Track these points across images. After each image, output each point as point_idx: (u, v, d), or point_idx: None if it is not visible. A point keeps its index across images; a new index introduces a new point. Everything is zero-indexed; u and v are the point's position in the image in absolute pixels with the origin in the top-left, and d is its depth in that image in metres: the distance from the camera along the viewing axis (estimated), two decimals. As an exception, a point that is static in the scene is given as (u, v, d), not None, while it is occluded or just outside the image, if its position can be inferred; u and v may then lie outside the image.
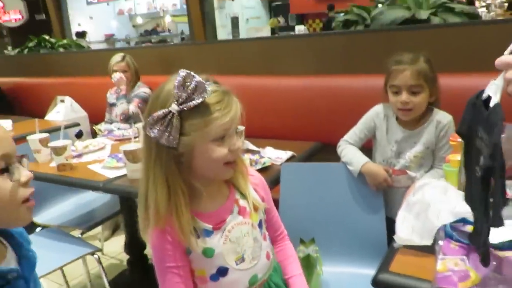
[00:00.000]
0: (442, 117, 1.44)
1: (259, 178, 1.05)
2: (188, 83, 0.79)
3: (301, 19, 9.13)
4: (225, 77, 2.58)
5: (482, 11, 10.11)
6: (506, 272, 0.79)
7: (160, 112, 0.80)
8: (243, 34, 8.29)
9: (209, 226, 0.91)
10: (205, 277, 0.92)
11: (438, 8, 2.21)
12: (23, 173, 0.75)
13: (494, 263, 0.82)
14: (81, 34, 8.85)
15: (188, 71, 0.80)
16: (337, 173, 1.51)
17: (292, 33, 8.04)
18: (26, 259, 0.81)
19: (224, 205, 0.95)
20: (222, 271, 0.92)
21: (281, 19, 9.27)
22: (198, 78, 0.80)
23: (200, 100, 0.79)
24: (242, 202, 0.96)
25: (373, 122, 1.54)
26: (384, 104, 1.54)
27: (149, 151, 0.87)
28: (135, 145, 1.59)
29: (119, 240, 2.72)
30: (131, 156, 1.55)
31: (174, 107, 0.80)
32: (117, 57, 2.75)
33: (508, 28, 1.79)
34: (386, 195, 1.47)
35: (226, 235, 0.92)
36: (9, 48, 8.10)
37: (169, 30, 10.33)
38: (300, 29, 7.69)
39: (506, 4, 9.71)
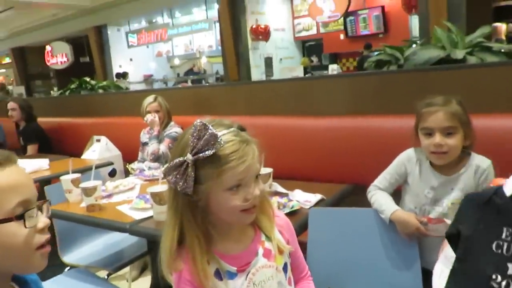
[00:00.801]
0: (481, 161, 1.36)
1: (284, 219, 1.05)
2: (203, 134, 0.81)
3: (335, 58, 9.20)
4: (257, 118, 2.62)
5: (522, 48, 9.78)
6: None
7: (176, 161, 0.83)
8: (276, 74, 8.41)
9: (233, 268, 0.91)
10: None
11: (474, 47, 2.15)
12: (41, 219, 0.75)
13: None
14: (122, 75, 9.28)
15: (203, 122, 0.82)
16: (368, 219, 1.43)
17: (325, 72, 8.09)
18: None
19: (249, 247, 0.94)
20: None
21: (314, 59, 9.37)
22: (211, 130, 0.81)
23: (212, 151, 0.81)
24: (267, 245, 0.96)
25: (404, 167, 1.47)
26: (416, 148, 1.47)
27: (169, 195, 0.91)
28: (162, 187, 1.58)
29: (147, 281, 2.69)
30: (157, 198, 1.54)
31: (189, 157, 0.82)
32: (149, 98, 2.83)
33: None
34: (422, 244, 1.37)
35: (250, 278, 0.91)
36: (55, 89, 8.57)
37: (204, 71, 10.66)
38: (333, 68, 7.72)
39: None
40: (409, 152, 1.48)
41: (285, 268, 0.97)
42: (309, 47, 9.47)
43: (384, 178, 1.50)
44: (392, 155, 1.56)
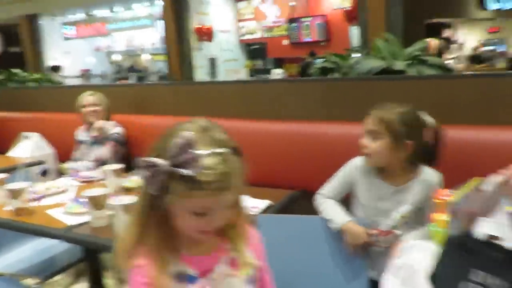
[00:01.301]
0: (430, 176, 1.40)
1: (257, 239, 1.01)
2: (186, 150, 0.75)
3: (279, 62, 9.33)
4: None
5: (450, 62, 10.62)
6: None
7: (152, 159, 0.76)
8: (221, 75, 8.37)
9: (195, 272, 0.86)
10: None
11: (413, 59, 2.25)
12: None
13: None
14: (56, 68, 8.75)
15: (192, 139, 0.76)
16: (317, 227, 1.43)
17: (268, 75, 8.17)
18: None
19: (212, 253, 0.90)
20: None
21: (258, 62, 9.44)
22: (195, 152, 0.75)
23: (190, 174, 0.75)
24: (232, 254, 0.91)
25: (350, 176, 1.48)
26: (364, 157, 1.49)
27: (140, 189, 0.86)
28: (100, 190, 1.48)
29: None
30: (94, 202, 1.44)
31: (164, 164, 0.76)
32: (86, 93, 2.69)
33: (480, 82, 1.82)
34: (370, 254, 1.39)
35: (214, 285, 0.87)
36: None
37: (146, 68, 10.35)
38: (277, 72, 7.83)
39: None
40: (355, 161, 1.49)
41: (252, 281, 0.93)
42: (254, 50, 9.52)
43: (331, 187, 1.50)
44: (339, 161, 1.58)
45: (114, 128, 2.67)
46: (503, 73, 1.82)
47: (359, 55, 2.34)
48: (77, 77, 9.78)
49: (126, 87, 3.49)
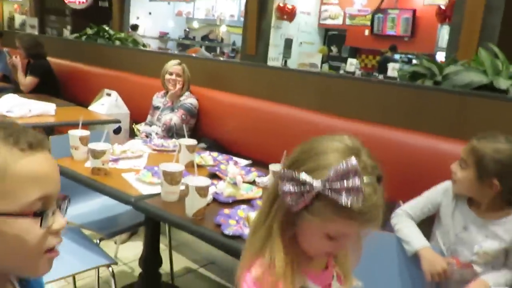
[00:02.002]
0: None
1: None
2: (350, 178, 0.69)
3: (354, 52, 9.01)
4: (273, 104, 2.53)
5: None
6: None
7: (302, 177, 0.71)
8: (294, 57, 8.25)
9: (317, 287, 0.84)
10: None
11: (518, 78, 2.05)
12: (58, 220, 0.65)
13: None
14: (134, 27, 9.06)
15: (358, 169, 0.69)
16: (389, 242, 1.36)
17: (343, 64, 7.92)
18: None
19: (327, 268, 0.88)
20: None
21: (334, 49, 9.18)
22: (360, 183, 0.69)
23: (346, 203, 0.69)
24: (337, 269, 0.91)
25: (439, 197, 1.41)
26: None
27: (267, 197, 0.81)
28: (175, 166, 1.50)
29: (135, 247, 2.65)
30: (169, 177, 1.46)
31: (317, 184, 0.71)
32: (175, 61, 2.75)
33: None
34: (443, 286, 1.31)
35: None
36: (68, 27, 8.36)
37: (222, 40, 10.43)
38: (352, 62, 7.56)
39: None
40: (447, 184, 1.42)
41: None
42: (331, 36, 9.27)
43: (416, 206, 1.44)
44: (421, 175, 1.50)
45: (187, 98, 2.72)
46: None
47: (459, 65, 2.16)
48: (155, 38, 10.08)
49: (203, 60, 3.52)
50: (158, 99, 2.86)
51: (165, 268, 2.35)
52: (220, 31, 10.70)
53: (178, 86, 2.69)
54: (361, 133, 2.02)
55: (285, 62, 7.60)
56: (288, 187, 0.72)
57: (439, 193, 1.41)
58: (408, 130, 1.95)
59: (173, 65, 2.71)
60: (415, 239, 1.34)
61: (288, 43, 8.28)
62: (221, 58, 7.13)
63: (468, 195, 1.35)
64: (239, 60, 6.60)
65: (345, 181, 0.68)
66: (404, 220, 1.41)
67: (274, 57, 7.92)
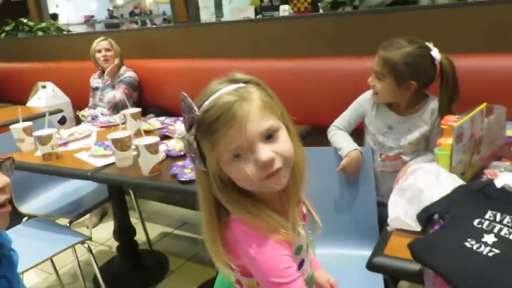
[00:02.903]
0: (436, 104, 1.45)
1: None
2: (185, 107, 0.73)
3: (286, -2, 9.00)
4: (211, 61, 2.57)
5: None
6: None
7: (185, 136, 0.77)
8: (227, 15, 8.15)
9: (301, 223, 0.88)
10: None
11: (425, -12, 2.19)
12: (2, 179, 0.71)
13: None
14: (54, 17, 8.60)
15: (183, 93, 0.72)
16: (328, 157, 1.51)
17: (276, 13, 7.91)
18: (7, 259, 0.79)
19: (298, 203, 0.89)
20: (301, 264, 0.88)
21: (265, -1, 9.12)
22: (186, 99, 0.72)
23: (190, 121, 0.72)
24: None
25: (361, 107, 1.55)
26: None
27: (196, 175, 0.82)
28: (123, 133, 1.56)
29: (108, 227, 2.71)
30: (119, 144, 1.52)
31: (186, 135, 0.76)
32: (99, 38, 2.71)
33: (498, 9, 1.79)
34: (378, 180, 1.48)
35: (294, 227, 0.86)
36: (-16, 31, 7.83)
37: (150, 12, 10.10)
38: (284, 8, 7.57)
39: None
40: (366, 94, 1.55)
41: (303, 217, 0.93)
42: (260, -14, 9.17)
43: (343, 119, 1.57)
44: (349, 96, 1.62)
45: (126, 72, 2.71)
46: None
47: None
48: (81, 24, 9.62)
49: (134, 32, 3.47)
50: (95, 80, 2.83)
51: (141, 238, 2.45)
52: (146, 3, 10.34)
53: (114, 61, 2.67)
54: (295, 70, 2.16)
55: (219, 21, 7.52)
56: (189, 155, 0.78)
57: (360, 104, 1.55)
58: (335, 57, 2.07)
59: (98, 42, 2.68)
60: (346, 145, 1.50)
61: (218, 2, 8.16)
62: (151, 26, 6.96)
63: (389, 102, 1.48)
64: (160, 25, 6.46)
65: (186, 112, 0.73)
66: (336, 133, 1.56)
67: (208, 20, 7.80)
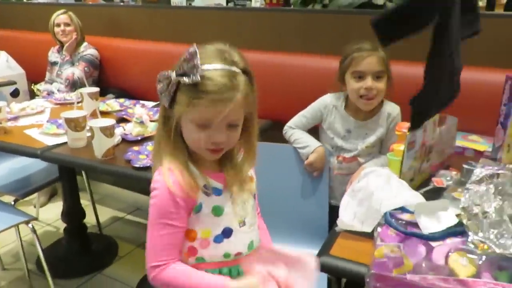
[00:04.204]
0: (392, 109, 1.49)
1: None
2: (190, 60, 0.79)
3: (259, -11, 8.96)
4: (177, 45, 2.53)
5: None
6: (435, 260, 0.85)
7: (166, 73, 0.83)
8: (198, -1, 8.01)
9: (219, 185, 0.92)
10: (209, 238, 0.91)
11: (394, -6, 2.24)
12: None
13: (425, 251, 0.87)
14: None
15: (195, 50, 0.79)
16: (285, 154, 1.52)
17: (248, 2, 7.87)
18: None
19: (231, 169, 0.95)
20: (227, 232, 0.93)
21: (238, -13, 9.05)
22: (197, 61, 0.79)
23: (188, 81, 0.80)
24: (240, 172, 0.97)
25: (320, 112, 1.55)
26: (333, 94, 1.56)
27: (160, 105, 0.90)
28: (78, 112, 1.50)
29: (56, 207, 2.62)
30: (73, 124, 1.47)
31: (172, 75, 0.82)
32: (58, 11, 2.58)
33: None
34: (334, 183, 1.51)
35: (234, 197, 0.94)
36: None
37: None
38: (257, -1, 7.55)
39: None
40: (325, 99, 1.56)
41: (255, 197, 1.01)
42: (234, -26, 9.08)
43: (299, 121, 1.58)
44: (311, 94, 1.63)
45: (87, 50, 2.61)
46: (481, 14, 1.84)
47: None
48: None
49: (100, 7, 3.33)
50: (54, 54, 2.70)
51: (91, 221, 2.38)
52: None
53: (73, 36, 2.56)
54: (260, 62, 2.15)
55: (190, 5, 7.39)
56: (160, 84, 0.84)
57: (319, 109, 1.56)
58: (302, 53, 2.08)
59: (58, 16, 2.55)
60: (311, 142, 1.51)
61: (190, -15, 8.01)
62: (119, 3, 6.72)
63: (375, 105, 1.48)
64: (134, 3, 6.26)
65: (187, 64, 0.79)
66: (296, 131, 1.57)
67: (178, 1, 7.65)
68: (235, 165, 0.96)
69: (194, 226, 0.90)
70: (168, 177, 0.86)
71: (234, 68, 0.83)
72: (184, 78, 0.80)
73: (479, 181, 0.86)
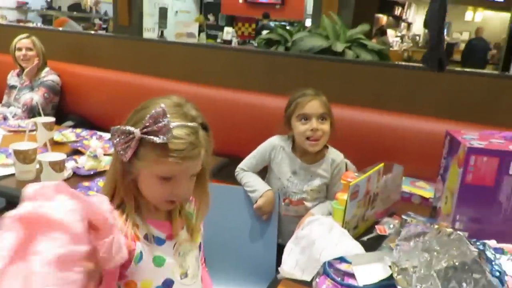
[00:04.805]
0: (336, 156, 1.56)
1: None
2: (160, 120, 0.80)
3: (231, 20, 9.16)
4: (143, 77, 2.53)
5: (396, 40, 10.96)
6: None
7: (126, 128, 0.83)
8: (170, 27, 8.09)
9: (162, 235, 0.92)
10: None
11: (353, 42, 2.36)
12: None
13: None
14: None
15: (164, 110, 0.80)
16: (236, 196, 1.54)
17: (220, 33, 8.02)
18: None
19: (178, 218, 0.96)
20: (168, 284, 0.91)
21: (212, 17, 9.21)
22: (168, 121, 0.80)
23: (159, 141, 0.80)
24: (188, 222, 0.98)
25: (268, 154, 1.60)
26: (280, 136, 1.61)
27: (113, 155, 0.92)
28: (28, 144, 1.47)
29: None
30: (21, 156, 1.44)
31: (137, 132, 0.82)
32: (21, 35, 2.55)
33: (413, 74, 1.96)
34: (282, 223, 1.54)
35: (177, 248, 0.93)
36: None
37: (91, 9, 9.73)
38: (228, 30, 7.71)
39: (419, 39, 10.58)
40: (273, 140, 1.61)
41: (200, 247, 1.01)
42: (208, 4, 9.25)
43: (250, 162, 1.62)
44: (271, 132, 1.67)
45: (48, 75, 2.58)
46: (422, 67, 1.97)
47: (306, 32, 2.40)
48: (12, 9, 9.01)
49: (67, 34, 3.32)
50: (13, 78, 2.65)
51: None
52: (88, 0, 9.95)
53: (34, 61, 2.52)
54: (223, 99, 2.19)
55: (162, 32, 7.43)
56: (118, 139, 0.84)
57: (267, 151, 1.61)
58: (265, 94, 2.13)
59: (20, 40, 2.52)
60: (261, 186, 1.54)
61: (163, 12, 8.07)
62: (89, 32, 6.68)
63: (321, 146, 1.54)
64: (100, 33, 6.24)
65: (156, 124, 0.81)
66: (247, 173, 1.60)
67: (150, 28, 7.67)
68: (184, 214, 0.97)
69: (134, 276, 0.88)
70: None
71: (195, 124, 0.86)
72: (153, 137, 0.81)
73: (408, 239, 0.90)
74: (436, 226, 0.92)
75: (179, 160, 0.82)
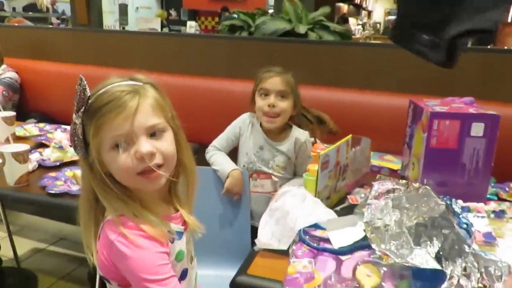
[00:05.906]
0: (300, 134, 1.58)
1: None
2: (80, 87, 0.72)
3: (194, 15, 9.06)
4: (106, 69, 2.48)
5: (358, 28, 11.17)
6: (344, 273, 0.89)
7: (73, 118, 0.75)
8: (132, 23, 7.94)
9: (181, 228, 0.85)
10: None
11: (315, 24, 2.38)
12: None
13: (335, 265, 0.92)
14: None
15: (81, 76, 0.72)
16: (207, 177, 1.53)
17: (183, 28, 7.93)
18: None
19: (178, 211, 0.88)
20: (184, 274, 0.87)
21: (173, 12, 9.09)
22: (82, 81, 0.72)
23: (81, 103, 0.72)
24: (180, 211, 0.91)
25: (238, 128, 1.62)
26: (251, 113, 1.64)
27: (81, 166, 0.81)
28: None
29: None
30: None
31: (73, 116, 0.74)
32: None
33: (374, 51, 2.00)
34: (252, 203, 1.55)
35: (188, 236, 0.88)
36: None
37: (47, 9, 9.41)
38: (191, 24, 7.61)
39: (379, 27, 10.83)
40: (244, 116, 1.65)
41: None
42: (168, -1, 9.15)
43: (221, 139, 1.64)
44: (237, 116, 1.67)
45: (5, 73, 2.49)
46: (388, 44, 2.02)
47: (268, 16, 2.40)
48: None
49: (23, 29, 3.20)
50: (-33, 76, 2.54)
51: (8, 255, 2.22)
52: (44, 0, 9.61)
53: None
54: (189, 87, 2.17)
55: (123, 29, 7.28)
56: (72, 142, 0.77)
57: (238, 125, 1.63)
58: (229, 78, 2.13)
59: None
60: (226, 165, 1.55)
61: (123, 9, 7.90)
62: (47, 26, 6.46)
63: (283, 123, 1.56)
64: (57, 27, 6.06)
65: (78, 95, 0.73)
66: (216, 153, 1.61)
67: (110, 25, 7.51)
68: (184, 197, 0.89)
69: None
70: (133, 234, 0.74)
71: (136, 82, 0.78)
72: (80, 111, 0.72)
73: (378, 197, 0.92)
74: (403, 181, 0.95)
75: (114, 113, 0.72)
